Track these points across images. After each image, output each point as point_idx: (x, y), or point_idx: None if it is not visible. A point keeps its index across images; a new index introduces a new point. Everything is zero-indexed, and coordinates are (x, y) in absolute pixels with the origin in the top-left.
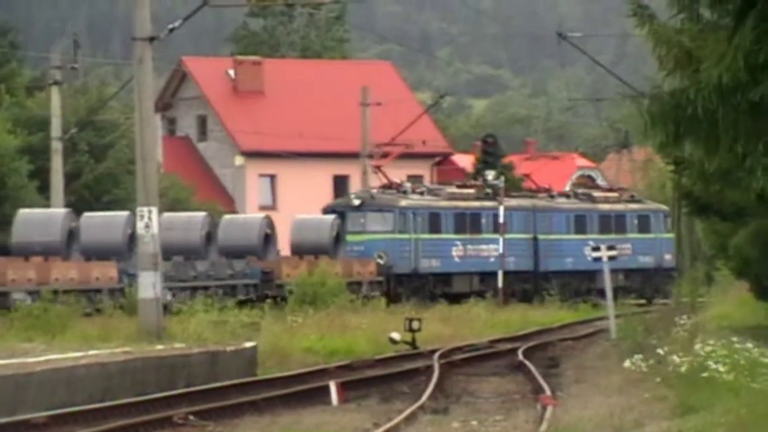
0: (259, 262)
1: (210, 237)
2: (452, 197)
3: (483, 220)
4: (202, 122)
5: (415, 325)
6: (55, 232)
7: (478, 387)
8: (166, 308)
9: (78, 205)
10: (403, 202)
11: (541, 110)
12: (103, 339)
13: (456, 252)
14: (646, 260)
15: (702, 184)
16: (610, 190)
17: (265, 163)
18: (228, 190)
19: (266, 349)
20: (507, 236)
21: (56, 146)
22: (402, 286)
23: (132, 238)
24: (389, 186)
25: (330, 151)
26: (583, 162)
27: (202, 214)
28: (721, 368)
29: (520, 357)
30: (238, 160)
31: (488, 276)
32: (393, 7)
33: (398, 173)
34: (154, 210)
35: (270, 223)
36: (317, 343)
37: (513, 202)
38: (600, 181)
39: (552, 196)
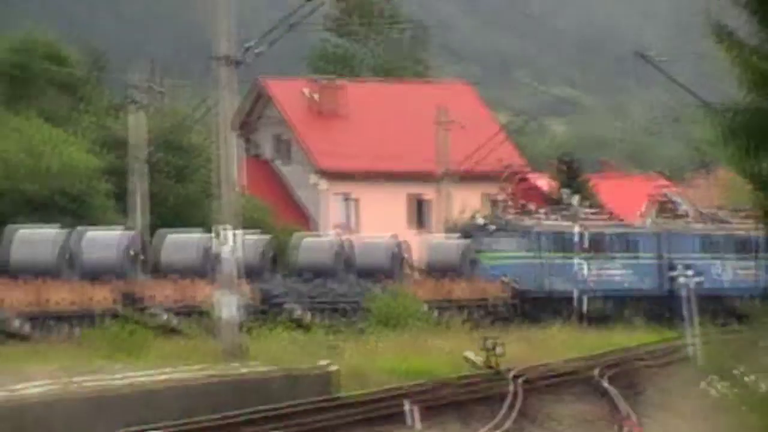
0: (388, 281)
1: (338, 257)
2: (584, 220)
3: (613, 243)
4: (282, 144)
5: (493, 346)
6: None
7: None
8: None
9: (160, 227)
10: (535, 226)
11: (619, 131)
12: (184, 358)
13: (586, 273)
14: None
15: None
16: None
17: (344, 184)
18: (307, 210)
19: (347, 371)
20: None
21: (137, 167)
22: (532, 306)
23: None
24: (522, 210)
25: (408, 170)
26: (661, 182)
27: (334, 236)
28: None
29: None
30: (317, 180)
31: (620, 297)
32: (471, 24)
33: (476, 194)
34: (237, 231)
35: (399, 245)
36: (399, 364)
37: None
38: (681, 203)
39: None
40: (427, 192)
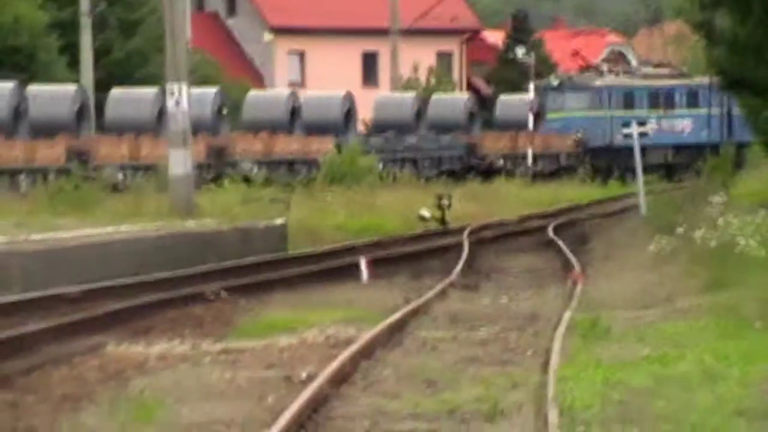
0: (464, 136)
1: (419, 113)
2: (646, 76)
3: (676, 98)
4: None
5: (445, 202)
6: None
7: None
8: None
9: (108, 81)
10: (599, 82)
11: None
12: (134, 215)
13: (649, 127)
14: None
15: (735, 59)
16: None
17: (294, 40)
18: (256, 66)
19: (296, 226)
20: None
21: (85, 22)
22: (598, 159)
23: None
24: (587, 67)
25: (359, 27)
26: (613, 38)
27: (411, 94)
28: (752, 243)
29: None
30: (267, 36)
31: (682, 149)
32: None
33: (427, 51)
34: (184, 86)
35: (474, 102)
36: (347, 221)
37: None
38: (631, 58)
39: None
40: (379, 48)
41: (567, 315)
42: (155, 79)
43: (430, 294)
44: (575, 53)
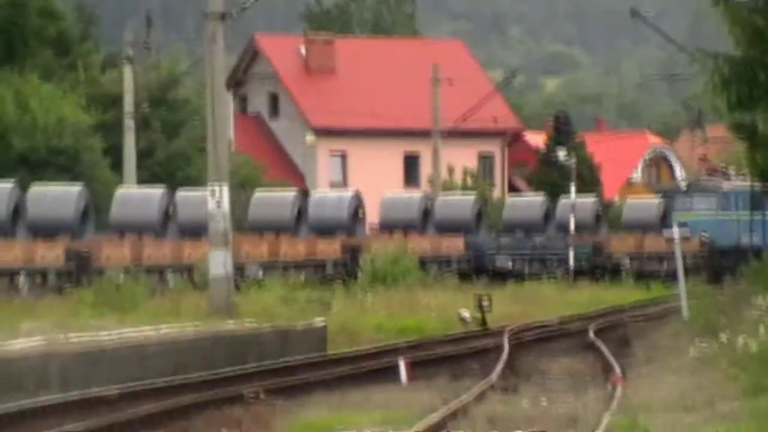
0: (591, 237)
1: (548, 216)
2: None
3: None
4: (274, 100)
5: (485, 303)
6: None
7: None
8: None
9: (151, 182)
10: (726, 186)
11: (612, 88)
12: (173, 315)
13: None
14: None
15: None
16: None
17: (336, 141)
18: (299, 167)
19: (336, 326)
20: None
21: (128, 123)
22: (725, 259)
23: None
24: (714, 171)
25: (400, 128)
26: (654, 140)
27: (541, 196)
28: None
29: None
30: (309, 137)
31: None
32: None
33: (468, 151)
34: (225, 187)
35: (601, 204)
36: (387, 321)
37: None
38: (673, 160)
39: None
40: (421, 149)
41: (606, 418)
42: (197, 180)
43: (469, 396)
44: (703, 158)
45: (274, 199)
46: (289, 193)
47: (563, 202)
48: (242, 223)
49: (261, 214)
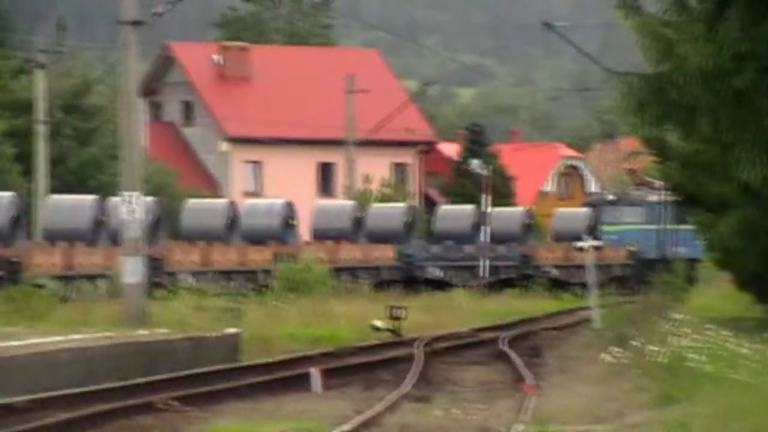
0: (520, 246)
1: (477, 226)
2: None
3: None
4: (188, 107)
5: (401, 313)
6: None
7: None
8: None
9: (61, 190)
10: (653, 198)
11: (527, 100)
12: (85, 324)
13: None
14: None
15: (686, 175)
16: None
17: (251, 150)
18: (213, 176)
19: (249, 335)
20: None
21: (40, 130)
22: (651, 270)
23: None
24: (641, 183)
25: (315, 137)
26: (567, 151)
27: (471, 206)
28: (703, 359)
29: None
30: (224, 146)
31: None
32: None
33: (382, 161)
34: (139, 195)
35: (531, 215)
36: (300, 330)
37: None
38: (585, 172)
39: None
40: (335, 159)
41: (517, 428)
42: (109, 187)
43: (382, 406)
44: (631, 170)
45: (206, 207)
46: (221, 202)
47: (496, 211)
48: (174, 232)
49: (194, 222)
